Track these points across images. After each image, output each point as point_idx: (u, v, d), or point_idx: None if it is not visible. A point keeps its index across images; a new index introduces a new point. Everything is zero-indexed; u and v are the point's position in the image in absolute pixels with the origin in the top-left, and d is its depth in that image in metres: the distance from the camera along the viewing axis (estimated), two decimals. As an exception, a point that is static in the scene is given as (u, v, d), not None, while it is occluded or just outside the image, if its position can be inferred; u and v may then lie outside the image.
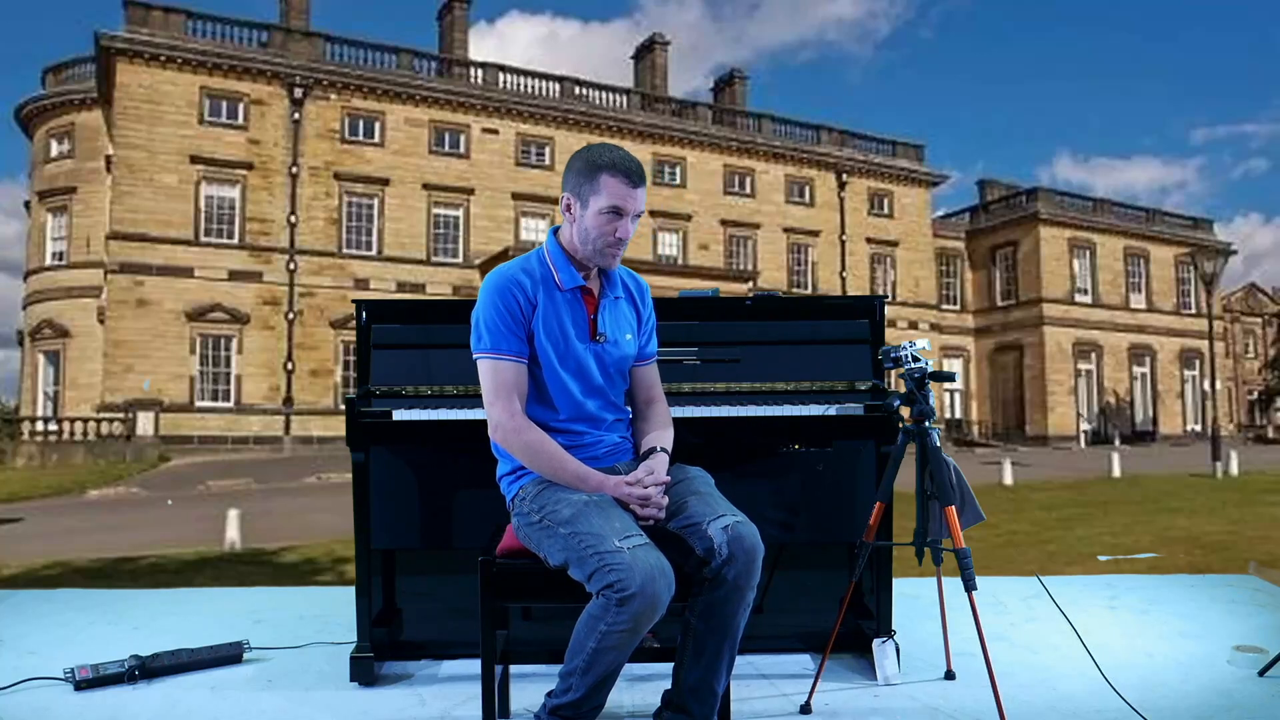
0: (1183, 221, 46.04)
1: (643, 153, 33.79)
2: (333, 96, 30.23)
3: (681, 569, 1.92)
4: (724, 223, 36.38)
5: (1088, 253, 42.20)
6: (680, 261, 34.53)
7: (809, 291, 36.73)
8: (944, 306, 42.22)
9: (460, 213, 31.93)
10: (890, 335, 5.87)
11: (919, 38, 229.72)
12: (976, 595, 2.31)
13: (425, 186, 31.33)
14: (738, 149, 36.84)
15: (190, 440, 26.80)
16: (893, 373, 2.58)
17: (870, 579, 2.82)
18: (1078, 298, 41.69)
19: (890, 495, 2.54)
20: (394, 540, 2.78)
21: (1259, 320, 52.26)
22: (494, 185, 32.27)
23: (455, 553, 2.84)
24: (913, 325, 39.11)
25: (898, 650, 2.67)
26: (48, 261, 33.68)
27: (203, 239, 28.38)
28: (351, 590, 2.75)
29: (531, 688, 2.42)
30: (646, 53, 39.69)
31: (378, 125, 30.88)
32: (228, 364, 28.43)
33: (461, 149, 32.06)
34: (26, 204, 36.20)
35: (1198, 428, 42.32)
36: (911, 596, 3.44)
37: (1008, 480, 16.88)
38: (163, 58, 27.99)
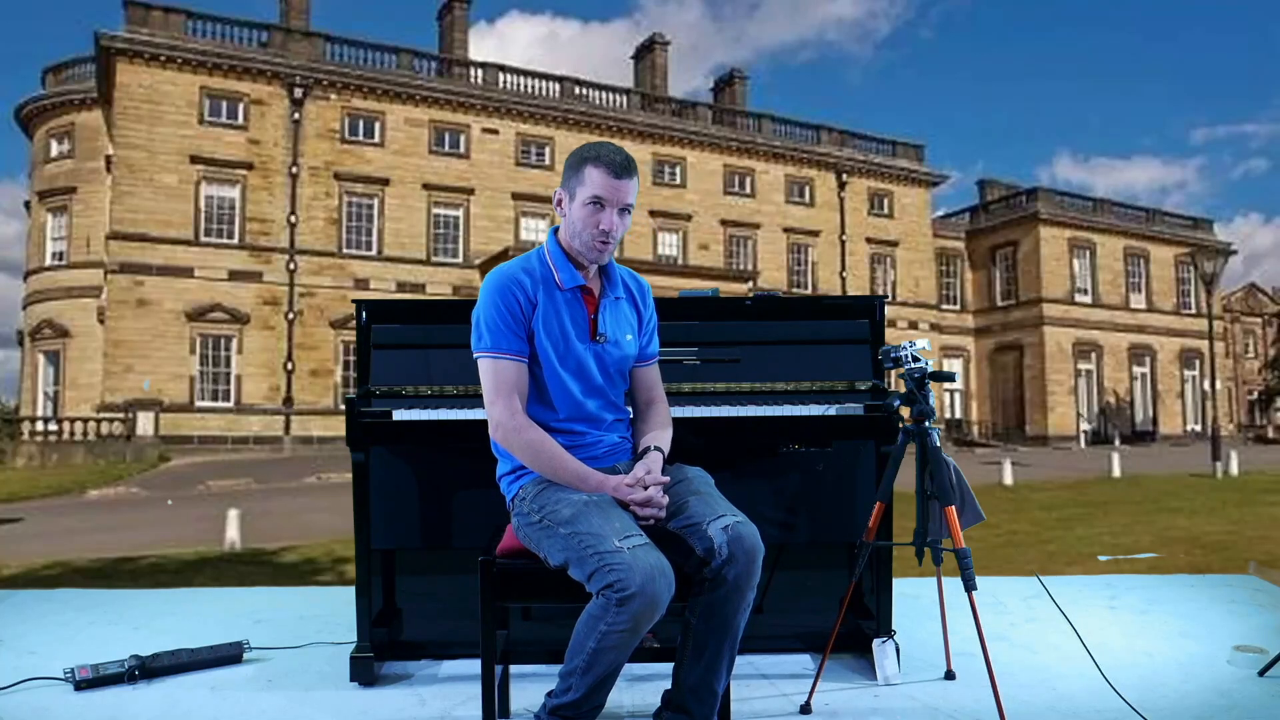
0: (1183, 221, 46.05)
1: (643, 153, 33.81)
2: (333, 96, 30.23)
3: (681, 569, 1.92)
4: (724, 223, 36.37)
5: (1088, 253, 42.20)
6: (680, 261, 34.53)
7: (809, 291, 36.72)
8: (944, 306, 42.22)
9: (460, 213, 31.92)
10: (890, 335, 5.87)
11: (919, 38, 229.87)
12: (976, 595, 2.31)
13: (425, 186, 31.33)
14: (738, 149, 36.83)
15: (190, 440, 26.80)
16: (893, 373, 2.58)
17: (870, 579, 2.82)
18: (1078, 298, 41.69)
19: (890, 495, 2.54)
20: (394, 540, 2.78)
21: (1259, 320, 52.26)
22: (494, 185, 32.27)
23: (455, 553, 2.83)
24: (913, 325, 39.09)
25: (898, 650, 2.67)
26: (48, 261, 33.67)
27: (203, 239, 28.38)
28: (351, 590, 2.75)
29: (531, 688, 2.42)
30: (646, 53, 39.69)
31: (378, 125, 30.87)
32: (228, 364, 28.43)
33: (461, 149, 32.06)
34: (26, 204, 36.20)
35: (1198, 428, 42.31)
36: (911, 596, 3.44)
37: (1008, 480, 16.86)
38: (163, 58, 27.99)
